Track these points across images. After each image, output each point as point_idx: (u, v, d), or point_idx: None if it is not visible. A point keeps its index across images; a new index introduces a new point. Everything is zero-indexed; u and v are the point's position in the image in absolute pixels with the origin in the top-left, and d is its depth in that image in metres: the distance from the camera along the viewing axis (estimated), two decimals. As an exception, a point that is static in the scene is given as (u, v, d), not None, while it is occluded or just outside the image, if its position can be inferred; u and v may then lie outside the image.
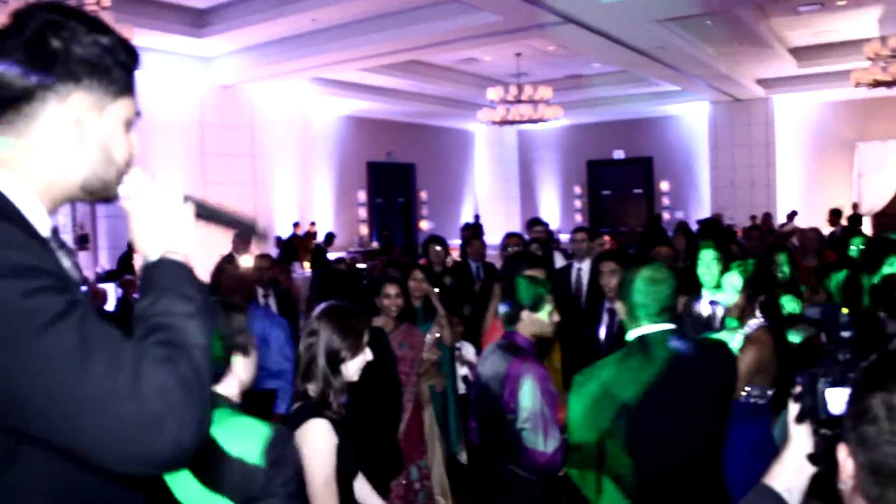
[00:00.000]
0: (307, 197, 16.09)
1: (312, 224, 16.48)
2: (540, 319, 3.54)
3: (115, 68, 1.37)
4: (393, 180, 20.50)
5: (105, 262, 12.43)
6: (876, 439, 1.17)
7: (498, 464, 3.43)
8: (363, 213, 19.31)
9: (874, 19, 13.42)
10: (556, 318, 3.58)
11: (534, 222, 10.90)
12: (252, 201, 14.22)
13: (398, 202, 20.91)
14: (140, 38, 9.58)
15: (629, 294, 2.86)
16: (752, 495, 1.61)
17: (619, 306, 2.94)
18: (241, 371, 2.41)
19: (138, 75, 1.42)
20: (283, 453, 2.20)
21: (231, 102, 13.84)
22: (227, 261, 7.83)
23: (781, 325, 4.24)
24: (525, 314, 3.53)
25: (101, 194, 1.41)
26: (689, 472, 2.77)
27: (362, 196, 19.31)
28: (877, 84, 13.17)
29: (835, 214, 14.12)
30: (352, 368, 2.87)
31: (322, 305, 2.98)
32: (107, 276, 11.27)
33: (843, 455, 1.26)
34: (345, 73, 14.76)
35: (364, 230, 19.16)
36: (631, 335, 2.88)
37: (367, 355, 2.92)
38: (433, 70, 15.99)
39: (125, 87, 1.39)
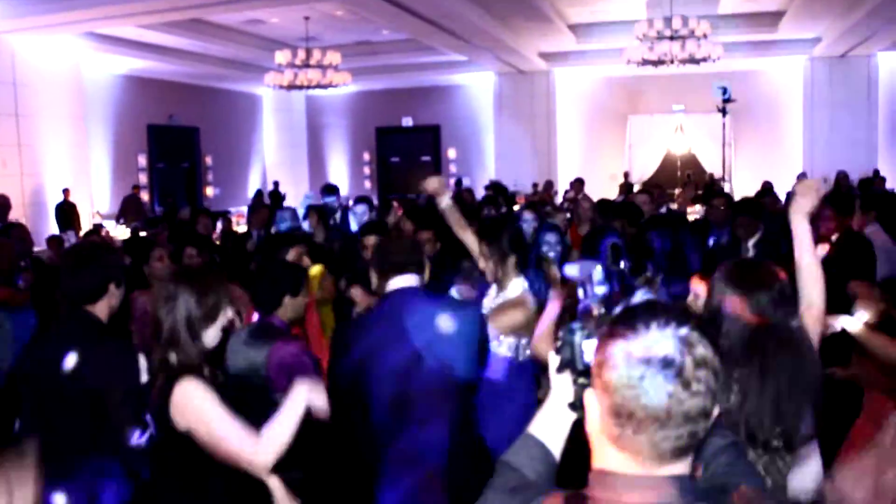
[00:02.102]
0: (83, 161, 14.98)
1: None
2: (300, 302, 3.52)
3: None
4: (176, 145, 19.50)
5: None
6: (616, 384, 1.27)
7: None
8: (144, 178, 18.28)
9: (643, 2, 14.27)
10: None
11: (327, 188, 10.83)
12: (18, 165, 13.11)
13: (182, 167, 19.97)
14: None
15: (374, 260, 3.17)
16: (518, 443, 1.67)
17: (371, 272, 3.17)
18: (113, 297, 2.99)
19: None
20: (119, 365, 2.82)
21: (-13, 55, 12.57)
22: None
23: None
24: (287, 300, 3.46)
25: None
26: (435, 418, 2.89)
27: (143, 161, 18.26)
28: (645, 62, 14.05)
29: (579, 182, 15.12)
30: (212, 333, 2.68)
31: (173, 268, 2.99)
32: None
33: (591, 400, 1.35)
34: (121, 30, 13.86)
35: (145, 197, 18.20)
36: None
37: (227, 315, 2.74)
38: (217, 30, 15.31)
39: None
